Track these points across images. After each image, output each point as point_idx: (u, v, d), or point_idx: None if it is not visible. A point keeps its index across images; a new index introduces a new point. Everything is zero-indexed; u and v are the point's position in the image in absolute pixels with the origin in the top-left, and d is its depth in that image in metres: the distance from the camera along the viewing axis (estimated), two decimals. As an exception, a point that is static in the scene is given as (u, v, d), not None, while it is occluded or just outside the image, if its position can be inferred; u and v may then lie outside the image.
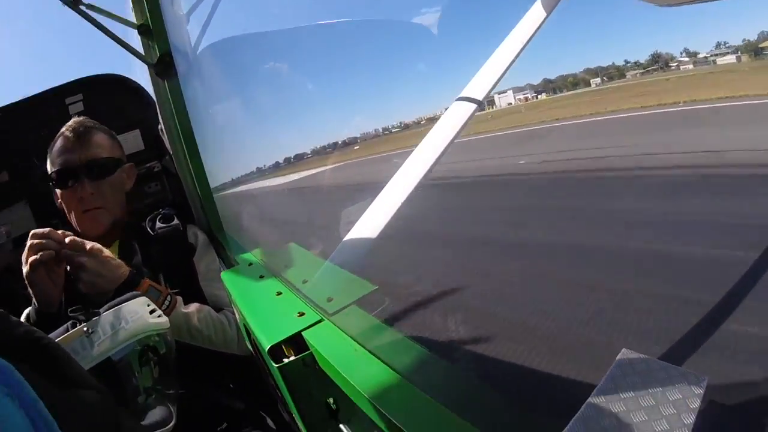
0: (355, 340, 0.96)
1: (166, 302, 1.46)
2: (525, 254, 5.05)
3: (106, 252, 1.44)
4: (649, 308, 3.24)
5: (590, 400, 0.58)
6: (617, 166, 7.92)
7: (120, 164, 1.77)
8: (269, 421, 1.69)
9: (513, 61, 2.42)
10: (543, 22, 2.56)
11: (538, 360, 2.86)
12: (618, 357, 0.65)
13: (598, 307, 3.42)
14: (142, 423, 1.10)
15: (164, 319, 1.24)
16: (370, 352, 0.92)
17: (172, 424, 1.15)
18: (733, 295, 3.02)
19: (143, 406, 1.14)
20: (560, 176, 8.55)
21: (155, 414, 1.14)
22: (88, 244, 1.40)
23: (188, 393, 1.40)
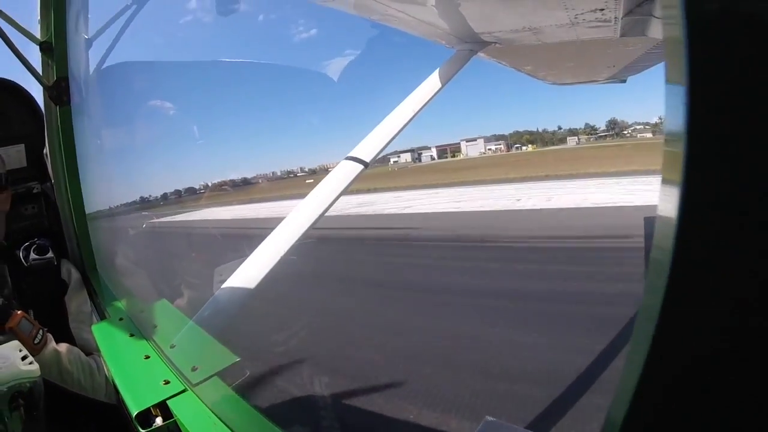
0: (215, 414, 1.04)
1: (38, 337, 1.41)
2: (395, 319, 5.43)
3: None
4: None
5: None
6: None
7: (6, 182, 1.66)
8: None
9: (404, 126, 2.63)
10: (437, 93, 2.80)
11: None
12: (480, 426, 0.65)
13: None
14: None
15: (35, 366, 1.22)
16: (229, 427, 1.00)
17: None
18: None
19: None
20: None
21: None
22: None
23: None
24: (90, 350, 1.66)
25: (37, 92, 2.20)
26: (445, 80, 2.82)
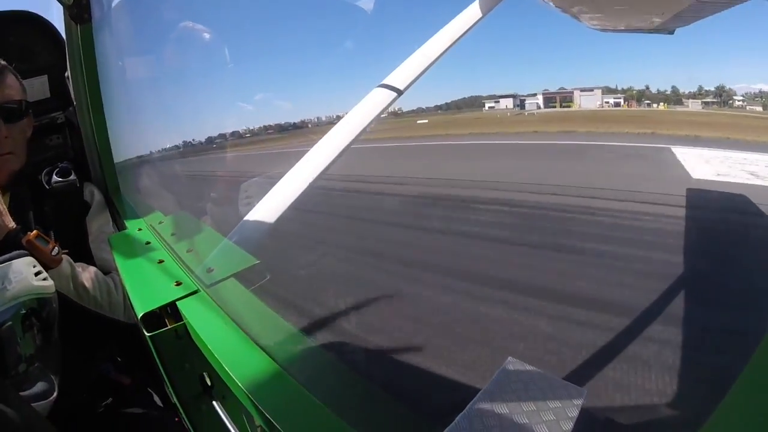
0: (229, 316, 0.95)
1: (55, 251, 1.36)
2: (417, 253, 5.17)
3: None
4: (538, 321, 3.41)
5: (475, 401, 0.61)
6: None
7: (29, 109, 1.65)
8: (156, 399, 1.64)
9: (441, 55, 2.48)
10: (477, 22, 2.63)
11: (423, 360, 2.93)
12: (504, 364, 0.67)
13: (489, 314, 3.57)
14: (21, 394, 1.03)
15: (50, 282, 1.16)
16: (243, 330, 0.91)
17: (53, 397, 1.09)
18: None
19: (23, 375, 1.07)
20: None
21: (36, 385, 1.08)
22: None
23: (72, 364, 1.33)
24: (109, 269, 1.62)
25: (58, 21, 2.15)
26: (486, 11, 2.67)
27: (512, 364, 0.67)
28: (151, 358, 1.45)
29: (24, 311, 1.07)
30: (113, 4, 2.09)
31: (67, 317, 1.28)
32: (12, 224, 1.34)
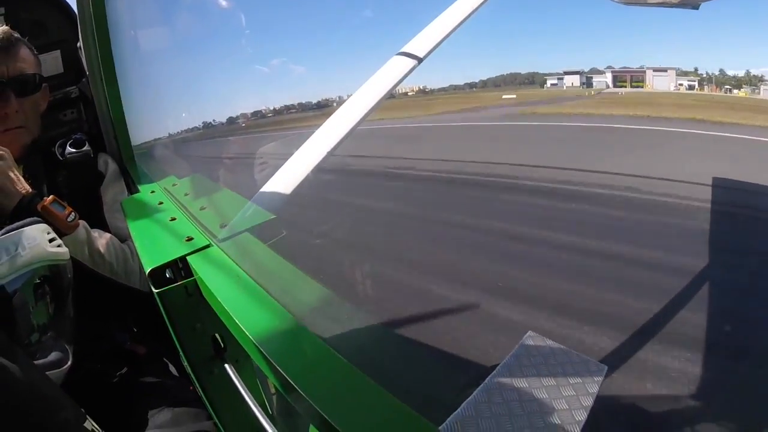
0: (243, 270, 0.88)
1: (71, 217, 1.32)
2: (443, 225, 5.07)
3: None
4: (558, 296, 3.32)
5: (494, 374, 0.59)
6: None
7: (43, 83, 1.62)
8: (172, 368, 1.61)
9: (461, 23, 2.40)
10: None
11: (446, 331, 2.87)
12: (523, 338, 0.67)
13: (509, 287, 3.48)
14: (35, 362, 0.99)
15: (64, 249, 1.12)
16: (260, 285, 0.85)
17: (67, 365, 1.05)
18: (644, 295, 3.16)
19: (36, 344, 1.03)
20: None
21: (50, 354, 1.04)
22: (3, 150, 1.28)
23: (86, 333, 1.29)
24: (124, 238, 1.58)
25: None
26: None
27: (532, 338, 0.67)
28: (164, 324, 1.41)
29: (38, 280, 1.03)
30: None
31: (82, 285, 1.24)
32: (27, 188, 1.32)
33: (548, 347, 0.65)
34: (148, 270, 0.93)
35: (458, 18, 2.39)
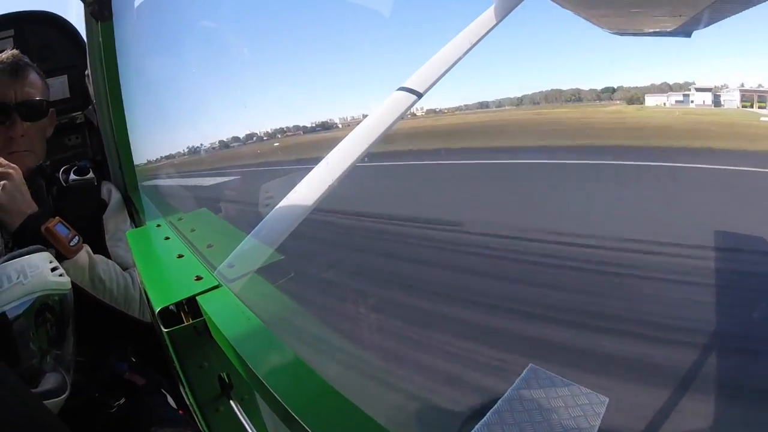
0: (252, 311, 0.91)
1: (74, 240, 1.35)
2: (440, 254, 5.09)
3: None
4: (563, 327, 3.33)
5: (495, 407, 0.61)
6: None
7: (49, 108, 1.66)
8: (170, 400, 1.61)
9: (459, 59, 2.49)
10: (492, 27, 2.65)
11: (453, 358, 2.88)
12: (525, 371, 0.70)
13: (512, 320, 3.50)
14: (33, 390, 1.00)
15: (66, 279, 1.14)
16: (267, 326, 0.87)
17: (65, 394, 1.06)
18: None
19: (36, 371, 1.03)
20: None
21: (48, 381, 1.04)
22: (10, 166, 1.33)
23: (85, 361, 1.30)
24: (125, 267, 1.60)
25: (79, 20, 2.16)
26: (501, 16, 2.69)
27: (534, 370, 0.68)
28: (167, 358, 1.42)
29: (38, 306, 1.05)
30: (134, 1, 2.10)
31: (83, 312, 1.24)
32: (34, 206, 1.35)
33: (549, 380, 0.66)
34: (158, 309, 0.95)
35: (456, 54, 2.48)
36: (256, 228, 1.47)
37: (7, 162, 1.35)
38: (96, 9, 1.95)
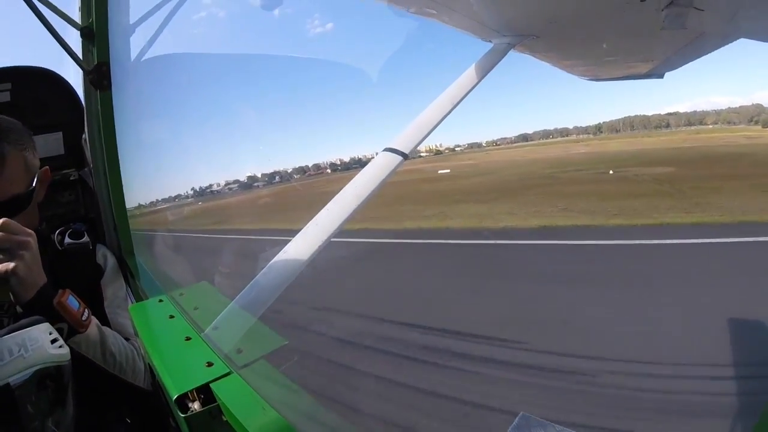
0: (263, 398, 0.99)
1: (85, 314, 1.34)
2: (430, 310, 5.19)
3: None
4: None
5: None
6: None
7: (34, 191, 1.50)
8: None
9: (442, 119, 2.61)
10: (473, 87, 2.78)
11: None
12: (516, 420, 0.68)
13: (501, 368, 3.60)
14: None
15: (65, 350, 1.18)
16: (278, 412, 0.95)
17: None
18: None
19: None
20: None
21: None
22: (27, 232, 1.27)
23: (84, 425, 1.34)
24: (126, 335, 1.63)
25: (76, 81, 2.22)
26: (482, 75, 2.81)
27: (525, 419, 0.68)
28: (163, 423, 1.46)
29: (38, 377, 1.10)
30: (133, 72, 2.18)
31: (83, 377, 1.27)
32: (44, 277, 1.31)
33: (542, 428, 0.67)
34: (174, 397, 1.02)
35: (440, 113, 2.60)
36: (242, 294, 1.52)
37: (23, 228, 1.26)
38: (95, 78, 2.03)
